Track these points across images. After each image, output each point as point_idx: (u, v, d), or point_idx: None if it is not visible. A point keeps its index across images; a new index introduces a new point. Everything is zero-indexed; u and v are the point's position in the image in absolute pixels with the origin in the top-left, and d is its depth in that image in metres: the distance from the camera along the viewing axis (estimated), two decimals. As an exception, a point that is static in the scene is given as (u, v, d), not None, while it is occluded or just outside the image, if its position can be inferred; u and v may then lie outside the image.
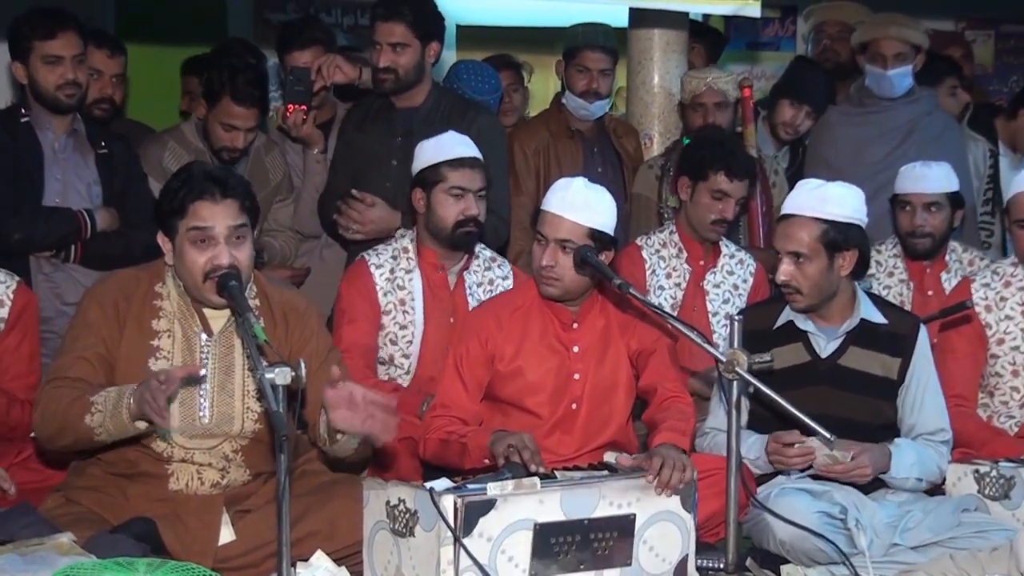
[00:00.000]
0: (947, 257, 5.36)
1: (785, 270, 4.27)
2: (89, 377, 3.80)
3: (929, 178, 5.21)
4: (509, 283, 4.83)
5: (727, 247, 5.35)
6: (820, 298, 4.30)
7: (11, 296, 4.36)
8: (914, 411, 4.35)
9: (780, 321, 4.38)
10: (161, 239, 3.88)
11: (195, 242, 3.79)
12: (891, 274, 5.37)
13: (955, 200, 5.27)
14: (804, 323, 4.35)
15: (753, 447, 4.25)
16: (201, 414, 3.88)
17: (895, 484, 4.27)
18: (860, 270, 4.37)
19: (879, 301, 4.51)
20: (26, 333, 4.39)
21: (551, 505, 3.65)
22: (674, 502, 3.81)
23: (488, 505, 3.57)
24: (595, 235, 4.23)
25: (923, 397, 4.35)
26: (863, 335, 4.35)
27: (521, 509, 3.61)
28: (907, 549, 4.06)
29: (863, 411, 4.30)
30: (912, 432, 4.35)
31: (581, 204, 4.23)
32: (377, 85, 5.24)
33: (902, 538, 4.08)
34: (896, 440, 4.30)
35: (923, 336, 4.39)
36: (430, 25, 5.17)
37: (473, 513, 3.55)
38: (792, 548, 4.04)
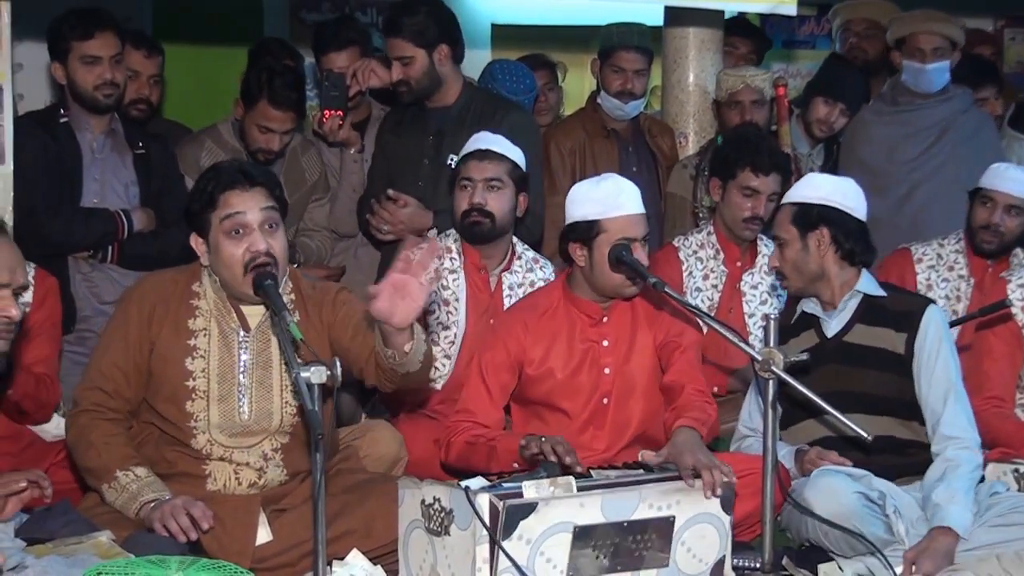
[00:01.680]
0: (1010, 259, 5.27)
1: (773, 256, 4.45)
2: (123, 391, 3.89)
3: (1020, 181, 5.12)
4: None
5: (767, 247, 5.32)
6: (804, 280, 4.37)
7: (32, 279, 4.39)
8: (926, 385, 4.28)
9: (797, 313, 4.44)
10: (195, 241, 3.88)
11: (229, 233, 3.79)
12: (951, 268, 5.30)
13: None
14: (811, 307, 4.41)
15: (787, 457, 4.23)
16: (240, 410, 3.89)
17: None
18: (850, 253, 4.35)
19: (886, 285, 4.52)
20: (49, 313, 4.46)
21: (591, 508, 3.63)
22: (714, 504, 3.79)
23: (529, 508, 3.55)
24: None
25: (933, 370, 4.27)
26: (869, 313, 4.37)
27: (561, 512, 3.59)
28: None
29: (876, 385, 4.28)
30: (927, 408, 4.26)
31: (638, 196, 4.31)
32: (398, 98, 5.33)
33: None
34: (933, 500, 4.09)
35: (932, 314, 4.34)
36: (430, 32, 5.17)
37: (514, 516, 3.53)
38: (832, 533, 4.01)
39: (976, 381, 4.67)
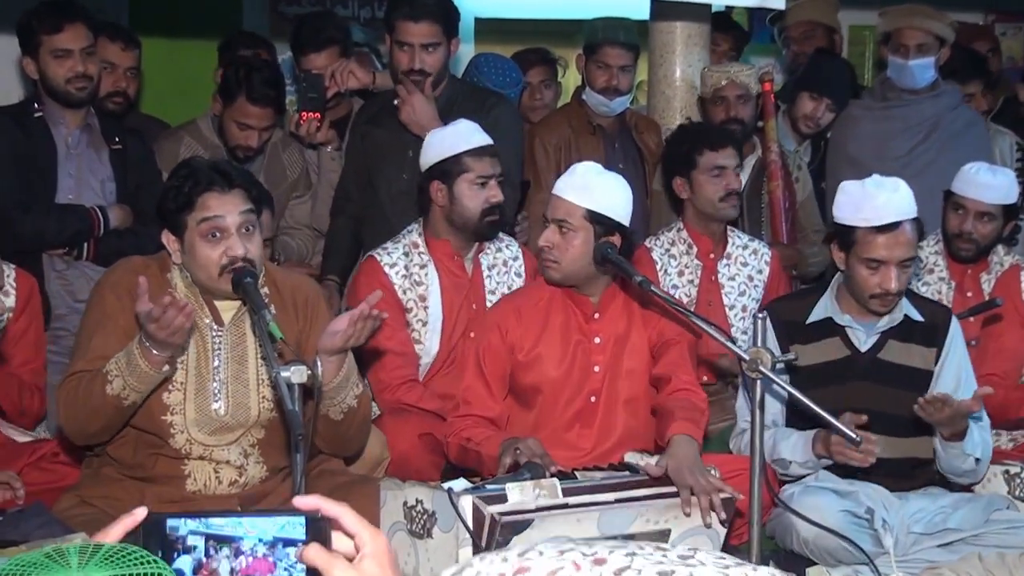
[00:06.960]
0: (989, 258, 5.22)
1: (896, 279, 4.17)
2: None
3: (991, 187, 5.00)
4: (520, 263, 4.80)
5: (739, 238, 5.27)
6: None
7: (14, 284, 4.35)
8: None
9: (815, 316, 4.32)
10: (167, 239, 3.78)
11: (206, 236, 3.71)
12: (931, 271, 5.22)
13: (1009, 211, 5.12)
14: (842, 318, 4.29)
15: (797, 447, 4.17)
16: (216, 406, 3.82)
17: (951, 465, 4.15)
18: None
19: (912, 296, 4.45)
20: (32, 318, 4.39)
21: (588, 524, 3.58)
22: (712, 517, 3.76)
23: (526, 524, 3.51)
24: (593, 217, 4.16)
25: (956, 387, 4.22)
26: (899, 329, 4.29)
27: (557, 528, 3.54)
28: (933, 547, 4.01)
29: (905, 407, 4.16)
30: None
31: (580, 185, 4.19)
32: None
33: (927, 527, 4.02)
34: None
35: (955, 326, 4.33)
36: (455, 20, 5.12)
37: (508, 532, 3.49)
38: (816, 547, 3.99)
39: (979, 362, 4.66)
